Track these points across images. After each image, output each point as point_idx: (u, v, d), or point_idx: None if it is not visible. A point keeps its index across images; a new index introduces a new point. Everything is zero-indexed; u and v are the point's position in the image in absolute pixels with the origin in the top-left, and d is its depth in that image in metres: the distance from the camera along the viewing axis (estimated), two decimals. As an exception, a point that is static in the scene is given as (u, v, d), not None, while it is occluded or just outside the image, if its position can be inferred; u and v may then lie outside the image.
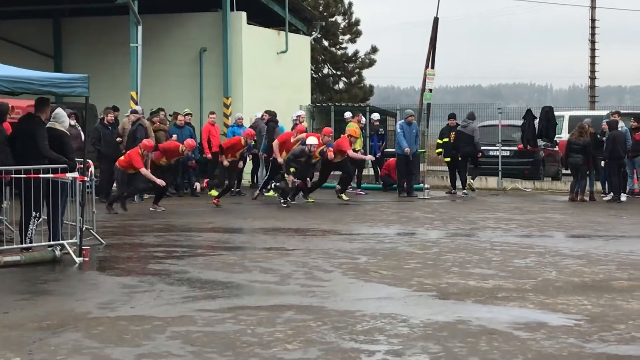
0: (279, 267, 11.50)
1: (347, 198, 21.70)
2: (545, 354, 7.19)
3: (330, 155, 20.75)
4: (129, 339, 7.57)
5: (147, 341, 7.48)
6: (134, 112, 21.87)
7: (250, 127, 24.42)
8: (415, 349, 7.28)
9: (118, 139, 21.17)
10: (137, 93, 25.10)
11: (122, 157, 18.82)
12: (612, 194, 21.72)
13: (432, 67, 29.13)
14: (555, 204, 21.57)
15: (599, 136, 21.99)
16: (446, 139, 24.17)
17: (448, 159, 24.27)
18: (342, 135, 22.46)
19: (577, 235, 15.41)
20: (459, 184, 23.90)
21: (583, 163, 21.56)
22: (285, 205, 19.85)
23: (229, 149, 20.72)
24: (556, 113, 27.34)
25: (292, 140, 20.90)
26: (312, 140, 20.33)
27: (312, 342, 7.48)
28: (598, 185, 22.90)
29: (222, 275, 10.90)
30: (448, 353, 7.17)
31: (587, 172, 21.83)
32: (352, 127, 22.80)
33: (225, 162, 20.47)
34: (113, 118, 21.49)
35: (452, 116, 24.78)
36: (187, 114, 23.47)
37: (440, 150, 24.71)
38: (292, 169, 20.08)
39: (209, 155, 23.26)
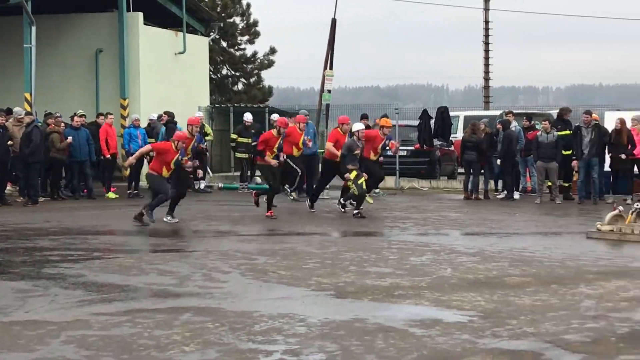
0: (177, 269, 11.44)
1: (372, 201, 20.42)
2: (440, 350, 7.32)
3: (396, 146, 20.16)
4: (22, 344, 7.44)
5: (41, 346, 7.37)
6: (29, 114, 21.48)
7: (146, 129, 24.26)
8: (313, 348, 7.33)
9: (9, 142, 20.68)
10: (31, 95, 24.64)
11: (151, 163, 17.01)
12: (505, 192, 22.18)
13: (331, 68, 29.31)
14: (450, 202, 21.93)
15: (495, 137, 22.40)
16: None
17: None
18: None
19: (471, 233, 15.70)
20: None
21: (477, 160, 21.95)
22: (360, 216, 17.55)
23: (264, 146, 17.73)
24: (452, 113, 27.83)
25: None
26: (357, 125, 18.44)
27: (210, 343, 7.47)
28: (492, 184, 23.35)
29: (119, 278, 10.79)
30: (345, 351, 7.24)
31: (482, 170, 22.22)
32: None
33: (274, 162, 17.68)
34: (4, 121, 20.90)
35: (364, 116, 24.95)
36: (82, 115, 23.10)
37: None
38: (353, 176, 17.66)
39: (108, 156, 22.96)
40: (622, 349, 7.41)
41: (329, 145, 18.76)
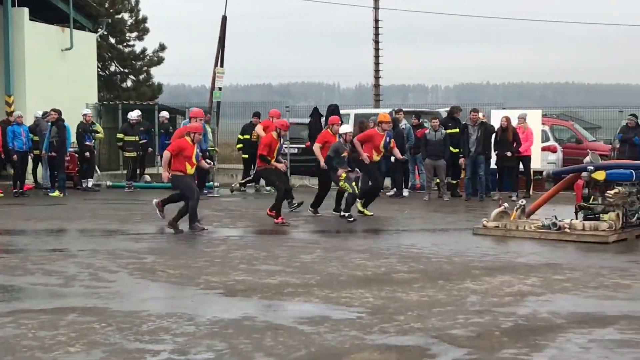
0: (63, 269, 11.24)
1: (372, 213, 17.95)
2: (328, 346, 7.36)
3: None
4: None
5: None
6: None
7: (31, 126, 23.77)
8: (201, 347, 7.29)
9: None
10: None
11: (172, 164, 15.31)
12: (395, 189, 22.41)
13: (222, 66, 29.18)
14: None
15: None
16: (247, 136, 24.26)
17: (246, 156, 24.38)
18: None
19: (361, 230, 15.82)
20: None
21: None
22: (352, 220, 16.71)
23: (268, 150, 16.76)
24: (342, 111, 27.91)
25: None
26: (345, 128, 17.46)
27: (96, 343, 7.36)
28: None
29: (3, 278, 10.55)
30: (233, 350, 7.22)
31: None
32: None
33: (281, 166, 17.02)
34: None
35: (256, 114, 24.89)
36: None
37: (240, 145, 24.73)
38: (343, 177, 16.91)
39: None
40: (506, 343, 7.57)
41: (315, 147, 17.83)
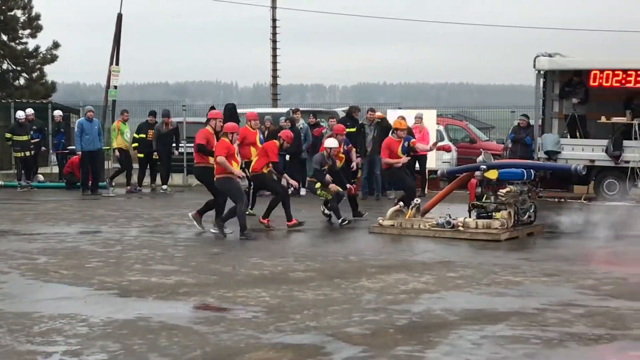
0: (-48, 270, 10.95)
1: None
2: (224, 346, 7.34)
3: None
4: None
5: None
6: None
7: None
8: (94, 349, 7.19)
9: None
10: None
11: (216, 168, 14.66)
12: (293, 188, 22.39)
13: (117, 64, 28.83)
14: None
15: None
16: (143, 135, 24.00)
17: (142, 155, 24.12)
18: None
19: (257, 230, 15.74)
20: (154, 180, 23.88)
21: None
22: (346, 222, 16.10)
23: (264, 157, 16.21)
24: (240, 110, 27.86)
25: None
26: (330, 142, 16.82)
27: (-15, 347, 7.20)
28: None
29: None
30: (127, 350, 7.15)
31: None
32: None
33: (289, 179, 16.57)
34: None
35: (152, 113, 24.62)
36: None
37: (136, 144, 24.43)
38: (318, 186, 16.54)
39: None
40: (400, 340, 7.66)
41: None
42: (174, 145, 23.80)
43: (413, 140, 17.86)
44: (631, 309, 8.99)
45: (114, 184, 23.91)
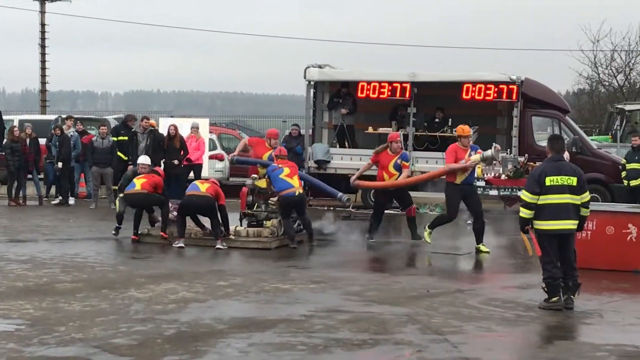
0: None
1: (487, 249, 14.58)
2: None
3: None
4: None
5: None
6: None
7: None
8: None
9: None
10: None
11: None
12: (60, 197, 21.83)
13: None
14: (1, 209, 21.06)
15: (50, 142, 21.88)
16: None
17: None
18: None
19: (23, 240, 15.22)
20: None
21: (22, 166, 21.20)
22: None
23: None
24: (6, 117, 26.90)
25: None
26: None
27: None
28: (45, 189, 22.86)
29: None
30: None
31: (30, 176, 21.60)
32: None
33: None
34: None
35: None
36: None
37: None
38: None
39: None
40: (168, 350, 7.63)
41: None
42: None
43: (479, 150, 15.03)
44: (393, 314, 9.34)
45: None
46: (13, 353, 7.33)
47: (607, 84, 44.96)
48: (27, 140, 21.37)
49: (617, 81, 44.18)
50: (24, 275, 11.28)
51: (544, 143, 17.24)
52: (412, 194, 16.32)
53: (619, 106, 33.78)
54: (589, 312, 9.77)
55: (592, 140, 24.72)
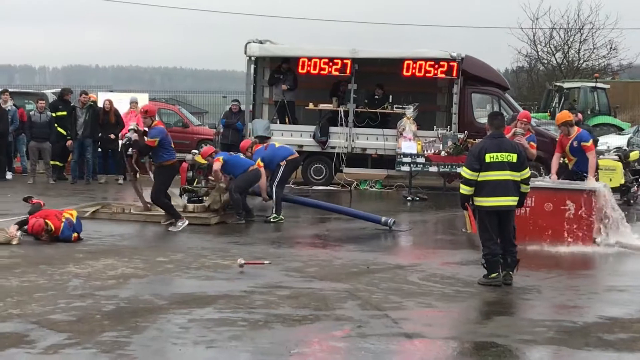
0: None
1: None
2: None
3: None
4: None
5: None
6: None
7: None
8: None
9: None
10: None
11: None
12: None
13: None
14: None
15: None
16: None
17: None
18: None
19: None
20: None
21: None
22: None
23: None
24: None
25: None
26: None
27: None
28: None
29: None
30: None
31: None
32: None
33: None
34: None
35: None
36: None
37: None
38: None
39: None
40: (107, 325, 7.57)
41: None
42: None
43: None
44: (334, 289, 9.37)
45: None
46: (-51, 329, 7.22)
47: (545, 61, 45.49)
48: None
49: (556, 59, 44.69)
50: (-41, 251, 11.11)
51: (483, 120, 17.42)
52: (354, 170, 16.19)
53: (558, 84, 34.26)
54: (528, 288, 9.89)
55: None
